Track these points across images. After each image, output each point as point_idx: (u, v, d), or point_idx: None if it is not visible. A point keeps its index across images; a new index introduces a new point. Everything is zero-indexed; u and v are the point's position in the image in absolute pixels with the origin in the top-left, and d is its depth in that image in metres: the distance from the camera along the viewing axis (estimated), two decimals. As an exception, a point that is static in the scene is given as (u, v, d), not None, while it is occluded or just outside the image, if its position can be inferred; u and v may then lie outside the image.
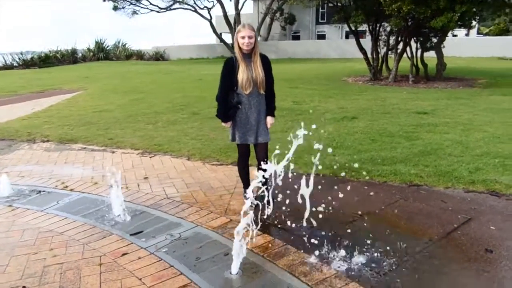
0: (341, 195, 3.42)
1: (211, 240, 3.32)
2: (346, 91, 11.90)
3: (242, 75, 3.68)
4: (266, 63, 3.80)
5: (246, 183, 4.08)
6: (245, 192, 4.10)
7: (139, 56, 36.11)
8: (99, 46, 35.11)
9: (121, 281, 2.78)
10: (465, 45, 26.17)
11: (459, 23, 11.45)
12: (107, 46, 36.09)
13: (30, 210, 4.09)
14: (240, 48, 3.70)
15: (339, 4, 14.18)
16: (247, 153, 3.96)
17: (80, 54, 34.45)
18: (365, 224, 3.49)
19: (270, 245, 3.21)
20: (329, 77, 16.29)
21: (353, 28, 14.96)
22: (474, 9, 10.40)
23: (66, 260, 3.09)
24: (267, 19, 33.92)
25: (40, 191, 4.62)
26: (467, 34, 33.45)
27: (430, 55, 15.27)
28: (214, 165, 5.33)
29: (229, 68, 3.73)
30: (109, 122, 8.31)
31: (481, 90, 12.09)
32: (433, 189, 4.34)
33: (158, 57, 36.04)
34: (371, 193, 4.20)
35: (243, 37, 3.64)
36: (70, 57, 33.26)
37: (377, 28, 14.87)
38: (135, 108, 9.89)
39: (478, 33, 38.39)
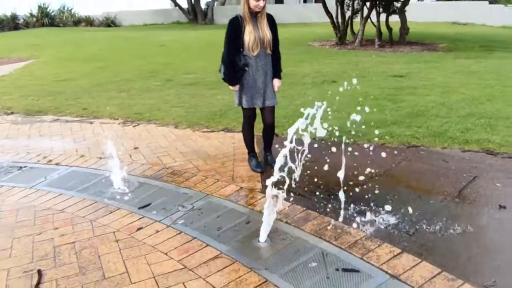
0: (345, 158, 3.36)
1: (227, 209, 3.18)
2: (317, 55, 11.82)
3: (249, 36, 3.48)
4: (272, 22, 3.60)
5: (251, 148, 3.95)
6: (250, 157, 3.97)
7: (88, 22, 33.93)
8: (43, 11, 32.60)
9: (145, 257, 2.61)
10: (419, 11, 26.63)
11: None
12: (52, 11, 33.61)
13: (17, 188, 3.75)
14: (249, 7, 3.46)
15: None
16: (253, 117, 3.81)
17: (22, 20, 31.91)
18: (378, 186, 3.47)
19: (290, 211, 3.12)
20: (294, 42, 16.07)
21: (318, -8, 14.72)
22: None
23: (77, 238, 2.86)
24: (224, -17, 32.86)
25: (21, 167, 4.25)
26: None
27: (392, 20, 15.42)
28: (205, 132, 5.13)
29: (235, 29, 3.51)
30: (76, 92, 7.77)
31: (445, 54, 12.42)
32: (431, 149, 4.40)
33: (109, 23, 34.02)
34: (374, 155, 4.19)
35: (258, 0, 3.40)
36: (11, 23, 30.70)
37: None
38: (101, 76, 9.32)
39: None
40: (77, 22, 33.75)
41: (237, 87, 3.62)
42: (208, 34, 20.77)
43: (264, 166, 3.91)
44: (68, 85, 8.49)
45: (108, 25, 33.45)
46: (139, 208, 3.26)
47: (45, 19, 32.05)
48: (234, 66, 3.54)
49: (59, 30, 27.73)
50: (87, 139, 5.02)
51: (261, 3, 3.40)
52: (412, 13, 15.01)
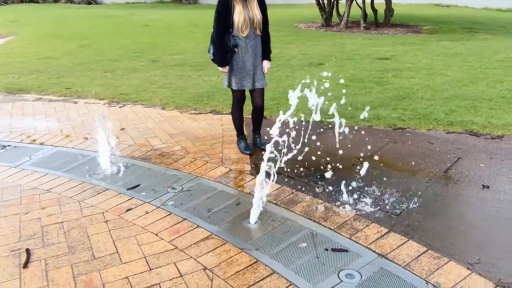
0: (333, 141, 3.41)
1: (217, 191, 3.20)
2: (303, 37, 11.76)
3: (238, 16, 3.43)
4: (262, 2, 3.56)
5: (240, 130, 3.94)
6: (239, 139, 3.97)
7: (69, -1, 32.99)
8: (22, -14, 31.50)
9: (135, 238, 2.61)
10: (405, -8, 26.67)
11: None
12: (31, -13, 32.48)
13: (1, 167, 3.69)
14: None
15: None
16: (243, 99, 3.79)
17: (0, -4, 30.80)
18: (366, 167, 3.52)
19: (279, 192, 3.15)
20: (280, 23, 15.92)
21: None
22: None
23: (65, 219, 2.84)
24: (208, -39, 32.14)
25: (4, 146, 4.17)
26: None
27: (377, 1, 15.37)
28: (193, 114, 5.09)
29: (224, 8, 3.45)
30: (59, 70, 7.59)
31: (429, 36, 12.49)
32: (417, 131, 4.47)
33: (90, 0, 33.15)
34: (361, 138, 4.24)
35: None
36: (-12, -1, 29.65)
37: (330, -28, 14.59)
38: (84, 55, 9.11)
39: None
40: (57, -2, 32.73)
41: (226, 69, 3.59)
42: (193, 13, 20.41)
43: (253, 148, 3.92)
44: (50, 63, 8.29)
45: (89, 3, 32.49)
46: (127, 189, 3.24)
47: (24, -5, 30.98)
48: (223, 47, 3.50)
49: (39, 6, 26.88)
50: (72, 119, 4.94)
51: None
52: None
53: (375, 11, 14.71)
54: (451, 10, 23.80)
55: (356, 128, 4.53)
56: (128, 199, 3.09)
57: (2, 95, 6.11)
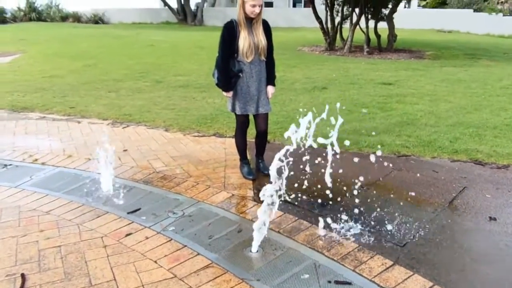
0: (337, 167, 3.37)
1: (219, 217, 3.14)
2: (307, 61, 11.85)
3: (243, 41, 3.44)
4: (267, 28, 3.58)
5: (244, 155, 3.91)
6: (242, 164, 3.93)
7: (76, 18, 33.48)
8: (31, 5, 32.12)
9: (134, 265, 2.55)
10: (406, 17, 26.99)
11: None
12: (39, 6, 33.13)
13: (2, 187, 3.66)
14: (244, 12, 3.43)
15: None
16: (246, 123, 3.77)
17: (9, 14, 31.37)
18: (370, 196, 3.48)
19: (282, 220, 3.10)
20: (284, 46, 16.11)
21: (310, -4, 14.78)
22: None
23: (63, 242, 2.78)
24: (214, -16, 32.76)
25: (6, 165, 4.15)
26: (406, 6, 34.52)
27: (380, 26, 15.57)
28: (196, 136, 5.07)
29: (230, 34, 3.47)
30: (64, 89, 7.64)
31: (432, 61, 12.58)
32: (421, 159, 4.43)
33: (97, 20, 33.62)
34: (365, 164, 4.20)
35: (254, 6, 3.36)
36: (-2, 17, 30.19)
37: (334, -3, 14.83)
38: (89, 75, 9.18)
39: (418, 5, 39.72)
40: (65, 17, 33.32)
41: (230, 93, 3.59)
42: (198, 35, 20.69)
43: (256, 173, 3.89)
44: (56, 82, 8.34)
45: (96, 22, 33.06)
46: (128, 213, 3.19)
47: (33, 13, 31.61)
48: (228, 72, 3.50)
49: (47, 25, 27.36)
50: (75, 139, 4.93)
51: (257, 9, 3.37)
52: (399, 19, 15.20)
53: (378, 36, 14.88)
54: (453, 35, 24.07)
55: (359, 154, 4.51)
56: (128, 224, 3.04)
57: (7, 113, 6.13)
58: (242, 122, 3.73)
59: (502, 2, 37.77)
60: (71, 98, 6.93)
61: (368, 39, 14.50)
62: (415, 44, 17.60)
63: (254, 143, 3.97)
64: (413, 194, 3.55)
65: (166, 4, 32.50)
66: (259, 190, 3.61)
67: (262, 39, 3.49)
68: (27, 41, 16.50)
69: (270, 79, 3.67)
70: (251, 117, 3.78)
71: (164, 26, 29.02)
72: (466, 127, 5.45)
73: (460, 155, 4.51)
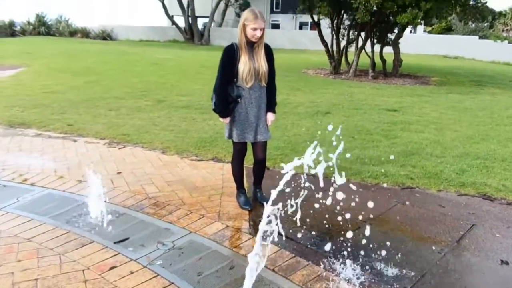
0: (337, 199, 3.18)
1: (210, 251, 2.95)
2: (311, 84, 11.78)
3: (243, 66, 3.31)
4: (269, 53, 3.45)
5: (240, 184, 3.74)
6: (238, 193, 3.76)
7: (84, 33, 33.97)
8: (40, 19, 32.62)
9: (115, 304, 2.36)
10: (411, 42, 27.09)
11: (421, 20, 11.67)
12: (49, 21, 33.64)
13: (-15, 210, 3.48)
14: (245, 36, 3.31)
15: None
16: (243, 151, 3.60)
17: (19, 27, 31.82)
18: (372, 232, 3.28)
19: (278, 257, 2.90)
20: (289, 68, 16.11)
21: (315, 20, 14.84)
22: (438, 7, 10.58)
23: (41, 275, 2.59)
24: (222, 5, 33.13)
25: (-7, 185, 3.99)
26: (412, 32, 34.70)
27: (385, 50, 15.56)
28: (194, 160, 4.91)
29: (230, 57, 3.34)
30: (64, 106, 7.54)
31: (438, 88, 12.48)
32: (427, 192, 4.24)
33: (105, 36, 34.06)
34: (368, 196, 4.01)
35: (254, 29, 3.23)
36: (7, 30, 30.62)
37: (340, 21, 14.86)
38: (91, 91, 9.10)
39: (424, 31, 39.98)
40: (73, 33, 33.79)
41: (227, 120, 3.43)
42: (203, 54, 20.78)
43: (253, 203, 3.71)
44: (56, 98, 8.26)
45: (104, 38, 33.47)
46: (114, 243, 3.01)
47: (42, 28, 32.07)
48: (226, 97, 3.36)
49: (55, 39, 27.65)
50: (69, 159, 4.78)
51: (258, 33, 3.25)
52: (404, 44, 15.20)
53: (384, 61, 14.85)
54: (459, 62, 24.10)
55: (362, 185, 4.32)
56: (114, 255, 2.86)
57: (3, 129, 6.01)
58: (239, 150, 3.57)
59: (507, 29, 37.99)
60: (69, 115, 6.81)
61: (373, 64, 14.48)
62: (421, 70, 17.56)
63: (252, 170, 3.81)
64: (418, 230, 3.36)
65: (173, 23, 32.91)
66: (255, 222, 3.45)
67: (263, 64, 3.36)
68: (33, 55, 16.59)
69: (271, 106, 3.52)
70: (249, 144, 3.62)
71: (171, 45, 29.28)
72: (473, 158, 5.27)
73: (468, 188, 4.31)
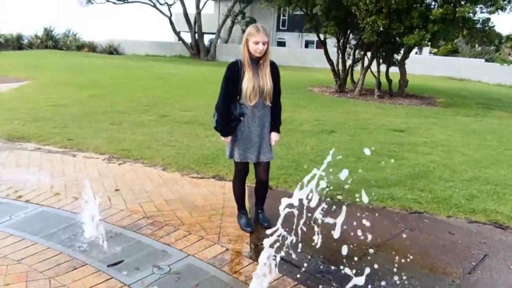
0: (342, 222, 3.03)
1: (208, 276, 2.80)
2: (317, 102, 11.69)
3: (247, 83, 3.20)
4: (275, 70, 3.35)
5: (242, 205, 3.60)
6: (239, 214, 3.61)
7: (91, 48, 34.24)
8: (48, 33, 32.95)
9: (104, 334, 2.20)
10: (417, 63, 27.12)
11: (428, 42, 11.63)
12: (57, 35, 34.00)
13: (-24, 227, 3.35)
14: (249, 52, 3.21)
15: (309, 13, 13.97)
16: (245, 171, 3.47)
17: (26, 41, 32.15)
18: (380, 260, 3.12)
19: (279, 284, 2.74)
20: (294, 85, 16.06)
21: (322, 38, 14.86)
22: (446, 29, 10.54)
23: (28, 301, 2.44)
24: (228, 21, 33.41)
25: (-13, 201, 3.86)
26: (418, 53, 34.78)
27: (391, 70, 15.52)
28: (195, 178, 4.78)
29: (234, 74, 3.24)
30: (66, 119, 7.46)
31: (444, 109, 12.35)
32: (435, 217, 4.08)
33: (112, 50, 34.32)
34: (374, 221, 3.85)
35: (257, 43, 3.14)
36: (15, 43, 30.94)
37: (346, 40, 14.87)
38: (94, 105, 9.04)
39: (429, 52, 40.11)
40: (80, 47, 34.07)
41: (229, 139, 3.31)
42: (209, 70, 20.83)
43: (254, 225, 3.56)
44: (59, 111, 8.19)
45: (111, 53, 33.72)
46: (108, 266, 2.86)
47: (49, 41, 32.36)
48: (228, 115, 3.25)
49: (61, 53, 27.88)
50: (66, 175, 4.66)
51: (260, 47, 3.13)
52: (410, 65, 15.16)
53: (389, 80, 14.78)
54: (464, 84, 24.01)
55: (368, 208, 4.16)
56: (106, 279, 2.70)
57: (1, 143, 5.91)
58: (241, 170, 3.43)
59: (513, 53, 38.02)
60: (71, 129, 6.72)
61: (379, 83, 14.42)
62: (426, 90, 17.48)
63: (254, 190, 3.67)
64: (427, 259, 3.20)
65: (180, 38, 33.17)
66: (256, 245, 3.30)
67: (268, 82, 3.25)
68: (39, 68, 16.66)
69: (275, 125, 3.40)
70: (251, 164, 3.49)
71: (177, 60, 29.46)
72: (483, 183, 5.10)
73: (478, 215, 4.15)
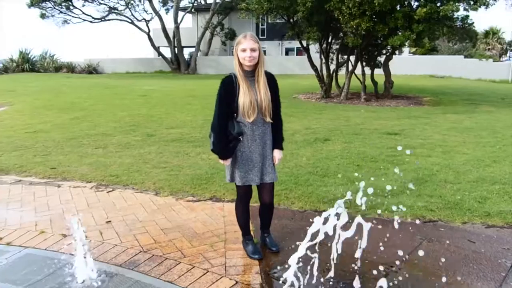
0: (354, 237, 2.78)
1: (220, 317, 2.50)
2: (304, 109, 11.49)
3: (243, 98, 2.92)
4: (272, 83, 3.09)
5: (246, 230, 3.30)
6: (245, 240, 3.32)
7: (70, 68, 33.65)
8: (24, 56, 32.25)
9: None
10: (398, 64, 27.27)
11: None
12: (33, 57, 33.33)
13: (-48, 279, 2.98)
14: (240, 64, 2.95)
15: (291, 20, 13.84)
16: (249, 195, 3.18)
17: (1, 65, 31.40)
18: (400, 280, 2.86)
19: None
20: (280, 94, 15.87)
21: (304, 45, 14.73)
22: (431, 29, 10.49)
23: None
24: (207, 34, 33.23)
25: (-37, 247, 3.48)
26: (396, 54, 34.96)
27: (375, 72, 15.48)
28: (190, 201, 4.47)
29: (228, 89, 2.96)
30: (47, 146, 7.07)
31: (433, 108, 12.29)
32: (451, 225, 3.85)
33: (91, 70, 33.80)
34: (390, 234, 3.60)
35: (244, 50, 2.89)
36: (-11, 68, 30.21)
37: (328, 45, 14.77)
38: (76, 129, 8.65)
39: (409, 52, 40.50)
40: (59, 68, 33.48)
41: (228, 161, 3.03)
42: (191, 84, 20.56)
43: (262, 251, 3.27)
44: (39, 138, 7.79)
45: (90, 72, 33.19)
46: (105, 315, 2.54)
47: (26, 64, 31.67)
48: (225, 135, 2.95)
49: (39, 75, 27.27)
50: (52, 208, 4.30)
51: (248, 54, 2.87)
52: (391, 66, 15.11)
53: (375, 83, 14.72)
54: (447, 81, 24.19)
55: (378, 220, 3.92)
56: (105, 331, 2.38)
57: (-22, 176, 5.51)
58: (243, 194, 3.14)
59: (489, 48, 38.76)
60: (53, 157, 6.34)
61: (364, 86, 14.33)
62: (411, 90, 17.50)
63: (258, 213, 3.38)
64: (452, 275, 2.95)
65: (159, 53, 32.85)
66: (267, 274, 3.01)
67: (265, 95, 2.97)
68: (16, 92, 16.14)
69: (277, 142, 3.14)
70: (254, 185, 3.21)
71: (158, 75, 29.13)
72: (491, 183, 4.92)
73: (494, 219, 3.94)
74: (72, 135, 8.00)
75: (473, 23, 13.86)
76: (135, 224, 3.87)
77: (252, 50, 2.90)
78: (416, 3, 10.91)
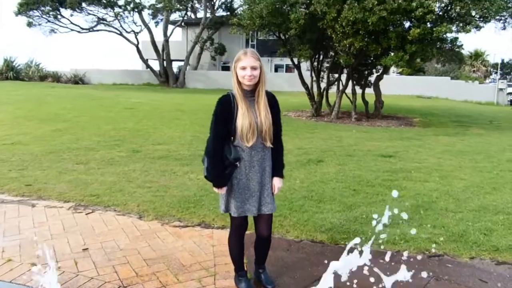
0: (355, 273, 2.49)
1: None
2: (295, 128, 11.24)
3: (242, 120, 2.63)
4: (273, 104, 2.81)
5: (240, 265, 2.98)
6: (237, 276, 2.99)
7: (55, 78, 32.98)
8: (9, 64, 31.59)
9: None
10: (386, 84, 27.37)
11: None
12: (18, 65, 32.67)
13: None
14: (239, 82, 2.67)
15: (283, 37, 13.71)
16: (244, 227, 2.87)
17: (-16, 73, 30.67)
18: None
19: None
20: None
21: (296, 62, 14.60)
22: (424, 49, 10.44)
23: None
24: (197, 48, 33.07)
25: None
26: (385, 73, 35.25)
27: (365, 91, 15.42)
28: (177, 227, 4.12)
29: (226, 110, 2.67)
30: (24, 160, 6.65)
31: (424, 130, 12.20)
32: (458, 260, 3.58)
33: (77, 80, 33.18)
34: (394, 270, 3.30)
35: (244, 68, 2.62)
36: (-28, 75, 29.44)
37: (320, 64, 14.67)
38: (57, 142, 8.22)
39: (396, 73, 40.96)
40: (44, 77, 32.83)
41: (223, 190, 2.71)
42: (179, 98, 20.24)
43: (256, 287, 2.94)
44: (16, 151, 7.35)
45: (76, 82, 32.60)
46: None
47: (10, 72, 31.01)
48: (221, 161, 2.65)
49: (23, 84, 26.70)
50: (22, 232, 3.91)
51: (248, 72, 2.60)
52: (381, 86, 15.02)
53: (366, 102, 14.61)
54: (434, 101, 24.39)
55: (380, 253, 3.61)
56: None
57: None
58: (239, 226, 2.83)
59: (474, 70, 39.43)
60: (30, 172, 5.93)
61: (355, 105, 14.20)
62: (400, 110, 17.48)
63: (254, 247, 3.06)
64: (470, 323, 2.66)
65: (148, 66, 32.51)
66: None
67: (266, 118, 2.69)
68: (-3, 101, 15.59)
69: (277, 169, 2.84)
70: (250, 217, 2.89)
71: (146, 88, 28.73)
72: (494, 213, 4.69)
73: (504, 254, 3.68)
74: (52, 148, 7.58)
75: (462, 45, 13.97)
76: (115, 253, 3.51)
77: (253, 68, 2.63)
78: (409, 24, 10.87)
